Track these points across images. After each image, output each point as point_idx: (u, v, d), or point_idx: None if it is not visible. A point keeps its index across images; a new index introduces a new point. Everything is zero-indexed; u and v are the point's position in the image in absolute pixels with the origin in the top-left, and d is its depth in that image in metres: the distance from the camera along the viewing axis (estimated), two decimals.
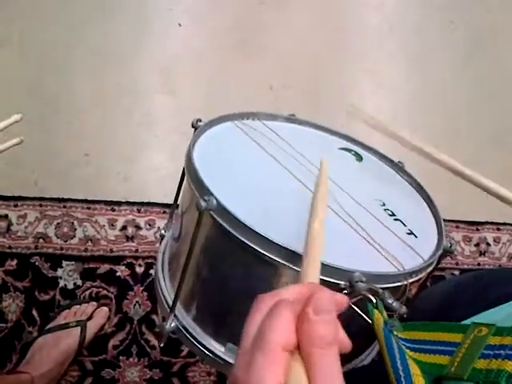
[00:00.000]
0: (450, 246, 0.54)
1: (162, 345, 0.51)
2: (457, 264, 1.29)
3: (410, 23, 1.64)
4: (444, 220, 0.59)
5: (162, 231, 0.69)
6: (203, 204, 0.45)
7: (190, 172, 0.51)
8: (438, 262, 0.54)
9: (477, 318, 0.43)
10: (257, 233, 0.43)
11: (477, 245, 1.34)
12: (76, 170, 1.19)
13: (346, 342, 0.30)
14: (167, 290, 0.57)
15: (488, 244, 1.35)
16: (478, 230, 1.35)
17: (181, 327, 0.54)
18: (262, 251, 0.43)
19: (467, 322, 0.41)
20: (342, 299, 0.31)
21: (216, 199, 0.45)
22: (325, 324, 0.27)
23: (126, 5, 1.41)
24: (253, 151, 0.60)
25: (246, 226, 0.44)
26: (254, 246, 0.44)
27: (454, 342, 0.38)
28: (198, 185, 0.49)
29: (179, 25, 1.42)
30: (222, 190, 0.47)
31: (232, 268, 0.48)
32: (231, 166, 0.58)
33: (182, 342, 0.54)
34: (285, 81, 1.41)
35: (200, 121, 0.59)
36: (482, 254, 1.33)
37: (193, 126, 0.59)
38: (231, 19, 1.47)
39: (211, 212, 0.46)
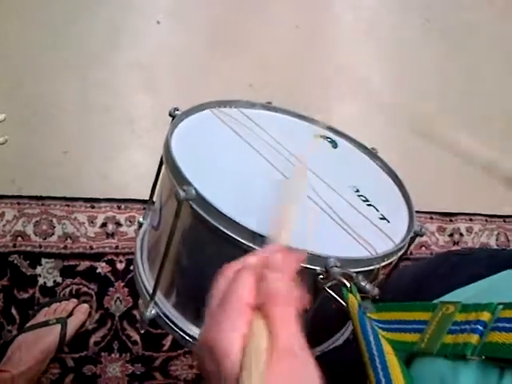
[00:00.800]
0: (421, 229, 0.56)
1: (142, 331, 0.52)
2: (431, 254, 1.32)
3: (386, 22, 1.67)
4: (418, 212, 0.61)
5: (140, 219, 0.70)
6: (182, 194, 0.45)
7: (168, 162, 0.52)
8: (410, 245, 0.56)
9: (445, 298, 0.45)
10: (234, 221, 0.44)
11: (450, 235, 1.37)
12: (55, 168, 1.18)
13: (305, 298, 0.33)
14: (147, 278, 0.58)
15: (461, 234, 1.38)
16: (451, 220, 1.39)
17: (161, 314, 0.55)
18: (240, 239, 0.45)
19: (435, 301, 0.43)
20: (298, 256, 0.37)
21: (195, 189, 0.46)
22: (279, 281, 0.31)
23: (104, 4, 1.40)
24: (231, 139, 0.61)
25: (224, 215, 0.45)
26: (232, 235, 0.45)
27: (423, 321, 0.40)
28: (176, 175, 0.49)
29: (158, 22, 1.42)
30: (200, 179, 0.48)
31: (211, 256, 0.49)
32: (209, 154, 0.58)
33: (163, 327, 0.54)
34: (265, 78, 1.43)
35: (177, 109, 0.60)
36: (455, 243, 1.36)
37: (170, 115, 0.59)
38: (210, 17, 1.48)
39: (190, 202, 0.46)
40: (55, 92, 1.27)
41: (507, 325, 0.34)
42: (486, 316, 0.36)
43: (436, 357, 0.38)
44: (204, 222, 0.46)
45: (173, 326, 0.54)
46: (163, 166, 0.55)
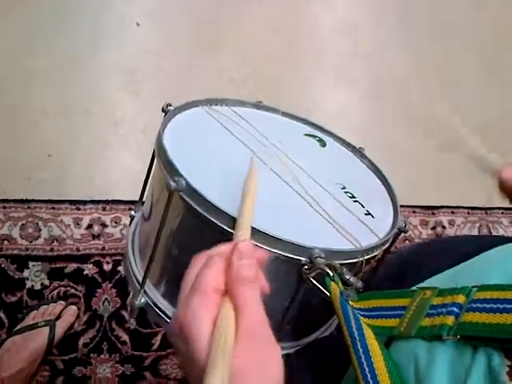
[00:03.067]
0: (405, 226, 0.58)
1: (132, 320, 0.53)
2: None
3: (361, 21, 1.70)
4: (401, 206, 0.62)
5: (132, 212, 0.71)
6: (173, 185, 0.47)
7: (160, 154, 0.53)
8: (394, 241, 0.58)
9: (423, 285, 0.47)
10: (224, 211, 0.46)
11: (433, 228, 1.40)
12: (39, 171, 1.18)
13: (266, 286, 0.37)
14: (137, 268, 0.59)
15: (444, 227, 1.41)
16: (433, 214, 1.41)
17: (150, 303, 0.56)
18: (228, 229, 0.45)
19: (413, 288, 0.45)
20: (263, 254, 0.40)
21: (185, 180, 0.47)
22: (246, 266, 0.34)
23: (83, 8, 1.40)
24: (221, 135, 0.63)
25: (214, 205, 0.46)
26: (221, 225, 0.46)
27: (402, 307, 0.42)
28: (167, 166, 0.50)
29: (137, 24, 1.43)
30: (190, 171, 0.49)
31: (200, 246, 0.50)
32: (200, 148, 0.60)
33: (151, 316, 0.56)
34: (244, 73, 1.44)
35: (170, 105, 0.61)
36: (438, 236, 1.39)
37: (163, 111, 0.60)
38: (189, 16, 1.49)
39: (180, 192, 0.48)
40: (38, 95, 1.27)
41: (480, 305, 0.36)
42: (461, 298, 0.38)
43: (413, 339, 0.39)
44: (194, 212, 0.47)
45: (162, 315, 0.55)
46: (155, 159, 0.56)
